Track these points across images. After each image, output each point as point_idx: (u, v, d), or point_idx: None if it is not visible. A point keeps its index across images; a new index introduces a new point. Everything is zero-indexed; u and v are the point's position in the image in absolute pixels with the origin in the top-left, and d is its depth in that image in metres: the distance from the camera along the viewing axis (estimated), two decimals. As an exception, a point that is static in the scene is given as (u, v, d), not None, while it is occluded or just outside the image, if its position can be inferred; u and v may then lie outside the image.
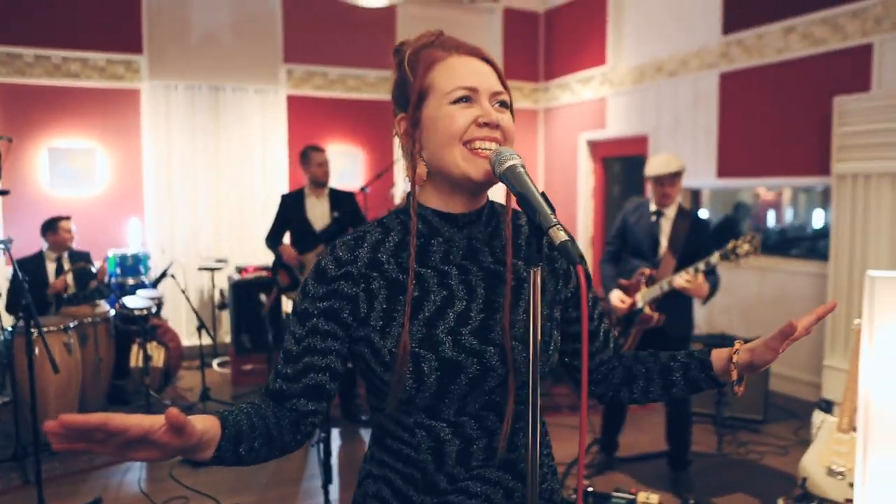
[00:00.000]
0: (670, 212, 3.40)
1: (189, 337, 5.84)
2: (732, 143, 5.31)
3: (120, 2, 5.75)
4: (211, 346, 5.57)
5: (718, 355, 1.11)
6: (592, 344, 1.19)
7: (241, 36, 6.16)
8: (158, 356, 4.66)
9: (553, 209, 0.87)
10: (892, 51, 4.19)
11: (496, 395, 1.02)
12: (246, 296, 5.16)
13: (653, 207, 3.43)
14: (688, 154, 5.63)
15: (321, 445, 2.94)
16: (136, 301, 4.63)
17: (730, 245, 3.13)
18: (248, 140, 6.16)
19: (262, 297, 5.00)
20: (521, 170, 0.92)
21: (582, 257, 0.82)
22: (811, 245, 5.21)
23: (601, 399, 1.23)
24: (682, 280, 3.12)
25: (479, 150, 0.98)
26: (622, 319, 3.41)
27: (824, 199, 5.13)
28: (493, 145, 0.98)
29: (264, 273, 5.32)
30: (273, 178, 6.28)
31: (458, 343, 0.99)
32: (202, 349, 4.68)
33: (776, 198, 5.69)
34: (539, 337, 0.90)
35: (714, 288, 3.26)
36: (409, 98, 1.03)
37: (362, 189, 4.94)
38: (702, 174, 5.55)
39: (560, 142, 7.34)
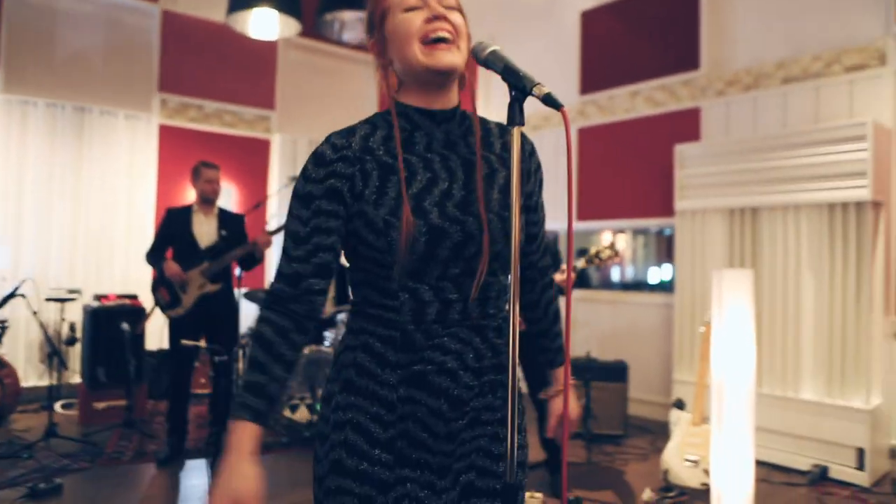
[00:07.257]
0: None
1: (26, 379, 5.23)
2: (590, 189, 5.91)
3: (-27, 10, 5.35)
4: (49, 387, 5.00)
5: (554, 377, 1.44)
6: (531, 244, 1.34)
7: (113, 58, 5.91)
8: (-8, 392, 4.13)
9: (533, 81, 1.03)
10: (716, 113, 5.00)
11: (474, 263, 1.14)
12: (105, 325, 4.76)
13: None
14: (552, 200, 6.12)
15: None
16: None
17: (592, 251, 3.55)
18: (114, 166, 5.82)
19: (124, 326, 4.65)
20: (501, 52, 1.08)
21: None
22: (654, 284, 5.84)
23: None
24: (557, 275, 3.41)
25: (435, 45, 1.12)
26: None
27: (658, 245, 5.79)
28: (447, 34, 1.13)
29: (127, 301, 4.97)
30: (139, 208, 5.94)
31: (444, 213, 1.12)
32: (50, 387, 4.28)
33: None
34: (518, 202, 1.02)
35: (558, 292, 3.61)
36: (374, 22, 1.19)
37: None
38: (562, 218, 6.08)
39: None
